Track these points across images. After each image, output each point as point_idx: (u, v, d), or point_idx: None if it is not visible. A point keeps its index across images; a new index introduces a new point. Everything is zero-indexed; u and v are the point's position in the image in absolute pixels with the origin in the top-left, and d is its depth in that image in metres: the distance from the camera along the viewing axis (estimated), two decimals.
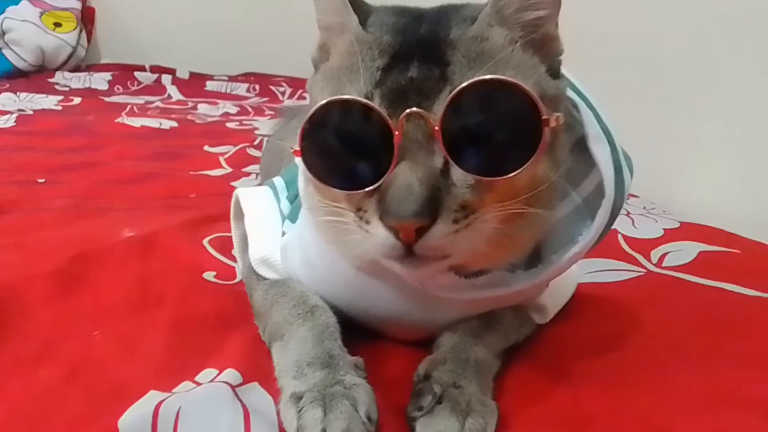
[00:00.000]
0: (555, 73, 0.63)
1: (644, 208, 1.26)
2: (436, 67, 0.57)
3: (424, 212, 0.53)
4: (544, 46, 0.62)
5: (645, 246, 1.03)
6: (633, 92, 1.45)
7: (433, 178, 0.54)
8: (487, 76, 0.54)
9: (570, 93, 0.66)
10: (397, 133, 0.54)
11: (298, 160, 0.61)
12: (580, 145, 0.65)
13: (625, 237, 1.09)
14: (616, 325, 0.79)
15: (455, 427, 0.57)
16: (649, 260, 0.99)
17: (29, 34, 2.84)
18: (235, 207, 0.92)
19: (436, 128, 0.54)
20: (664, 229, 1.10)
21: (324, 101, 0.57)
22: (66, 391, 0.64)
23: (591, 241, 0.64)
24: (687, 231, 1.10)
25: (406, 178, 0.54)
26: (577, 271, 0.85)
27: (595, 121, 0.64)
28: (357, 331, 0.72)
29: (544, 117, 0.54)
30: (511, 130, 0.55)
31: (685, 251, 1.01)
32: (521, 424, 0.61)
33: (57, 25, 2.94)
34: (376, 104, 0.56)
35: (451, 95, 0.54)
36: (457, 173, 0.55)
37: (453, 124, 0.54)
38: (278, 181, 0.90)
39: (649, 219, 1.19)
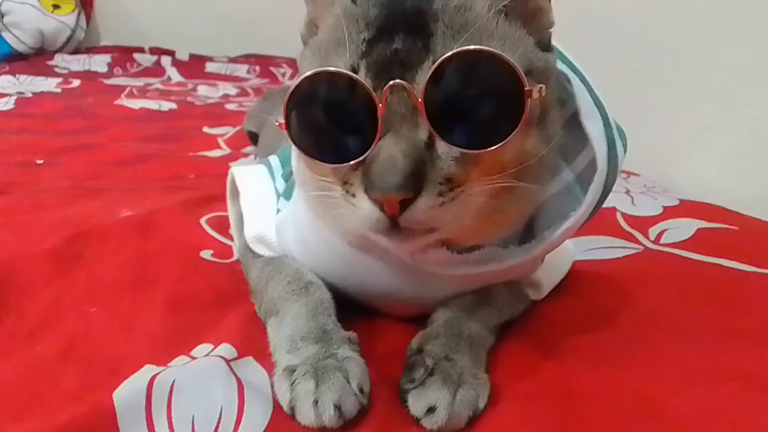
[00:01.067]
0: (545, 46, 0.62)
1: (645, 186, 1.26)
2: (419, 38, 0.56)
3: (407, 185, 0.53)
4: (534, 19, 0.61)
5: (643, 223, 1.02)
6: (634, 71, 1.44)
7: (417, 151, 0.54)
8: (468, 47, 0.53)
9: (563, 67, 0.65)
10: (380, 105, 0.54)
11: (285, 134, 0.61)
12: (574, 121, 0.65)
13: (623, 215, 1.08)
14: (612, 302, 0.79)
15: (446, 398, 0.57)
16: (647, 237, 0.99)
17: (28, 17, 2.82)
18: (230, 186, 0.92)
19: (420, 100, 0.53)
20: (664, 207, 1.10)
21: (308, 73, 0.56)
22: (62, 366, 0.65)
23: (583, 217, 0.64)
24: (686, 208, 1.10)
25: (389, 150, 0.53)
26: (572, 248, 0.85)
27: (588, 96, 0.64)
28: (352, 308, 0.73)
29: (526, 88, 0.53)
30: (493, 102, 0.55)
31: (683, 228, 1.01)
32: (511, 398, 0.61)
33: (56, 7, 2.92)
34: (361, 76, 0.55)
35: (433, 67, 0.53)
36: (441, 146, 0.55)
37: (436, 96, 0.53)
38: (273, 159, 0.90)
39: (649, 197, 1.18)
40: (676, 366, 0.65)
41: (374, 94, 0.54)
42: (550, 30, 0.62)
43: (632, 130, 0.66)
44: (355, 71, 0.56)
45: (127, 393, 0.58)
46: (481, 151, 0.54)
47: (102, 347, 0.69)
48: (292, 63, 2.93)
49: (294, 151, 0.70)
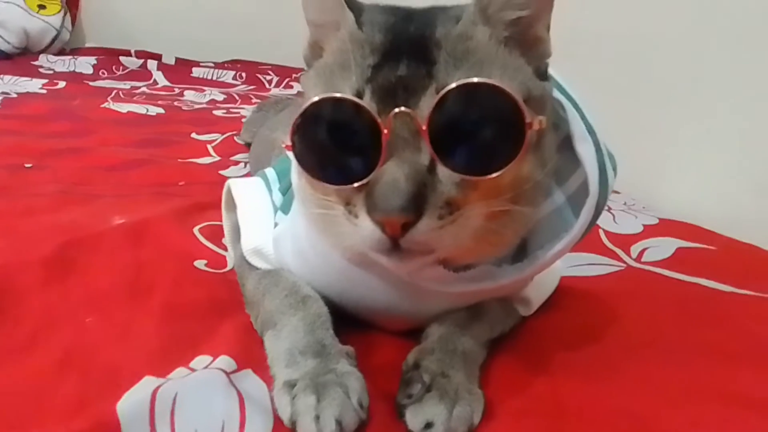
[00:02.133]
0: (542, 74, 0.64)
1: (625, 204, 1.29)
2: (423, 65, 0.58)
3: (409, 208, 0.55)
4: (532, 48, 0.63)
5: (625, 241, 1.05)
6: (617, 90, 1.47)
7: (419, 175, 0.56)
8: (472, 80, 0.56)
9: (557, 94, 0.67)
10: (386, 131, 0.55)
11: (290, 154, 0.62)
12: (566, 144, 0.67)
13: (606, 232, 1.11)
14: (597, 319, 0.81)
15: (444, 415, 0.59)
16: (629, 255, 1.02)
17: (14, 16, 2.81)
18: (226, 197, 0.94)
19: (423, 128, 0.55)
20: (644, 225, 1.13)
21: (316, 98, 0.58)
22: (61, 377, 0.65)
23: (575, 239, 0.66)
24: (665, 227, 1.13)
25: (393, 174, 0.55)
26: (560, 265, 0.88)
27: (581, 121, 0.66)
28: (347, 321, 0.74)
29: (527, 120, 0.56)
30: (495, 132, 0.57)
31: (663, 247, 1.04)
32: (504, 414, 0.63)
33: (41, 7, 2.90)
34: (366, 101, 0.57)
35: (438, 97, 0.55)
36: (443, 171, 0.57)
37: (439, 123, 0.55)
38: (270, 172, 0.91)
39: (630, 215, 1.22)
40: (661, 383, 0.67)
41: (379, 119, 0.56)
42: (547, 60, 0.65)
43: (614, 147, 0.69)
44: (361, 95, 0.58)
45: (130, 405, 0.59)
46: (482, 178, 0.57)
47: (100, 357, 0.69)
48: (278, 70, 2.94)
49: (295, 169, 0.71)
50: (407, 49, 0.59)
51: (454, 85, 0.55)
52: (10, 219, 1.07)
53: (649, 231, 1.11)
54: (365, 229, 0.57)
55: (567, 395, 0.65)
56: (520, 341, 0.77)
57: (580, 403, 0.64)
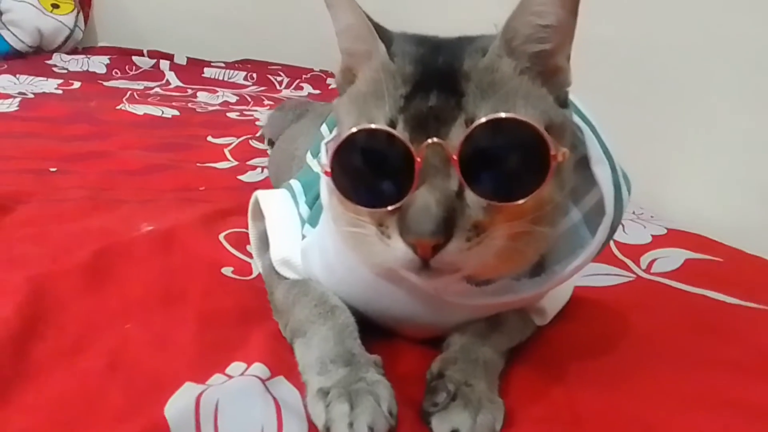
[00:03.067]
0: (562, 102, 0.68)
1: (633, 213, 1.33)
2: (452, 96, 0.62)
3: (440, 231, 0.59)
4: (553, 77, 0.67)
5: (635, 252, 1.09)
6: (622, 98, 1.50)
7: (449, 200, 0.60)
8: (501, 115, 0.60)
9: (574, 117, 0.71)
10: (418, 159, 0.59)
11: (327, 180, 0.66)
12: (582, 164, 0.71)
13: (616, 242, 1.15)
14: (609, 329, 0.85)
15: (468, 423, 0.63)
16: (639, 266, 1.05)
17: (27, 15, 2.85)
18: (253, 207, 0.98)
19: (454, 157, 0.59)
20: (652, 236, 1.17)
21: (354, 129, 0.62)
22: (108, 382, 0.69)
23: (592, 255, 0.70)
24: (673, 238, 1.16)
25: (425, 199, 0.59)
26: (574, 276, 0.91)
27: (598, 144, 0.70)
28: (371, 329, 0.78)
29: (552, 153, 0.60)
30: (521, 161, 0.61)
31: (672, 258, 1.07)
32: (523, 421, 0.67)
33: (55, 6, 2.94)
34: (399, 130, 0.61)
35: (468, 130, 0.59)
36: (470, 196, 0.61)
37: (468, 152, 0.59)
38: (296, 185, 0.95)
39: (639, 225, 1.25)
40: (673, 393, 0.71)
41: (412, 148, 0.60)
42: (567, 89, 0.68)
43: (619, 155, 0.71)
44: (394, 124, 0.62)
45: (176, 410, 0.63)
46: (507, 204, 0.61)
47: (142, 363, 0.73)
48: (288, 70, 2.98)
49: (326, 188, 0.75)
50: (437, 80, 0.63)
51: (483, 120, 0.59)
52: (43, 225, 1.11)
53: (658, 241, 1.14)
54: (398, 250, 0.61)
55: (583, 404, 0.69)
56: (536, 351, 0.80)
57: (596, 411, 0.68)
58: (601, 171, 0.69)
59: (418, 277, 0.64)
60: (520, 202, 0.60)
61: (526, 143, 0.60)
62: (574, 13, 0.64)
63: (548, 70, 0.66)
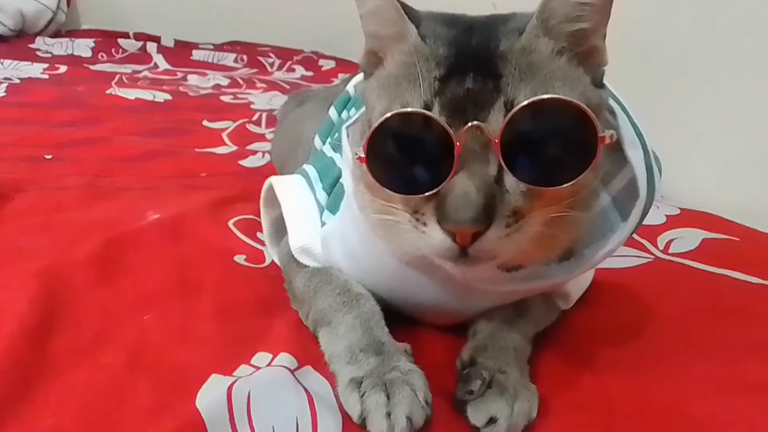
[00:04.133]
0: (598, 83, 0.66)
1: None
2: (490, 79, 0.60)
3: (480, 219, 0.57)
4: (589, 58, 0.65)
5: (651, 232, 1.08)
6: (632, 80, 1.48)
7: (488, 186, 0.58)
8: (546, 96, 0.58)
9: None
10: (458, 144, 0.57)
11: (354, 166, 0.64)
12: (611, 146, 0.69)
13: None
14: (632, 313, 0.85)
15: (506, 411, 0.62)
16: (656, 246, 1.05)
17: None
18: (265, 194, 0.95)
19: (495, 141, 0.57)
20: (667, 216, 1.16)
21: (390, 114, 0.60)
22: (132, 377, 0.67)
23: (624, 239, 0.69)
24: (688, 218, 1.16)
25: (464, 186, 0.58)
26: None
27: (630, 126, 0.69)
28: (392, 317, 0.76)
29: (600, 135, 0.58)
30: (565, 145, 0.59)
31: (688, 238, 1.07)
32: (557, 409, 0.66)
33: None
34: (435, 113, 0.59)
35: (511, 114, 0.57)
36: (510, 181, 0.59)
37: (509, 137, 0.57)
38: (311, 170, 0.92)
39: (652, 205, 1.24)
40: (706, 378, 0.70)
41: (451, 132, 0.58)
42: (603, 68, 0.67)
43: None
44: (429, 108, 0.60)
45: (208, 403, 0.61)
46: (551, 189, 0.59)
47: (164, 356, 0.72)
48: (278, 52, 2.92)
49: (351, 175, 0.73)
50: (472, 62, 0.61)
51: (527, 101, 0.57)
52: (44, 215, 1.08)
53: (673, 222, 1.14)
54: (435, 238, 0.59)
55: (615, 391, 0.69)
56: (561, 336, 0.80)
57: (629, 398, 0.68)
58: (634, 154, 0.68)
59: (454, 265, 0.63)
60: (564, 186, 0.59)
61: (572, 126, 0.58)
62: None
63: (585, 50, 0.64)
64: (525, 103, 0.57)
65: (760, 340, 0.78)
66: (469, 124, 0.58)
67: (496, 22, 0.66)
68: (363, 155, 0.61)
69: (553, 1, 0.62)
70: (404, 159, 0.61)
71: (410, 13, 0.66)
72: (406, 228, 0.63)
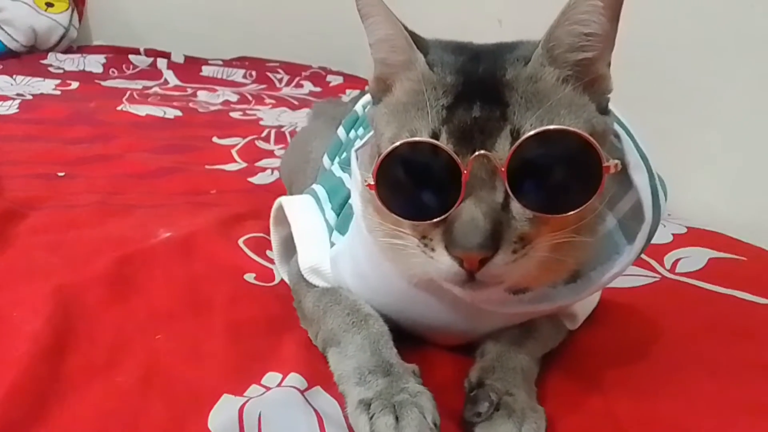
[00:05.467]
0: (603, 109, 0.67)
1: None
2: (496, 107, 0.61)
3: (487, 245, 0.58)
4: (594, 85, 0.66)
5: (658, 251, 1.09)
6: (638, 97, 1.49)
7: (495, 213, 0.59)
8: (552, 127, 0.59)
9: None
10: (465, 172, 0.59)
11: (363, 190, 0.65)
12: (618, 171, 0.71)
13: None
14: (641, 333, 0.85)
15: None
16: (663, 266, 1.05)
17: (21, 14, 2.81)
18: (275, 213, 0.96)
19: (502, 169, 0.59)
20: (673, 234, 1.16)
21: (398, 143, 0.61)
22: (146, 395, 0.68)
23: (630, 262, 0.70)
24: (695, 237, 1.16)
25: (471, 212, 0.59)
26: None
27: (635, 150, 0.70)
28: (400, 337, 0.77)
29: (605, 165, 0.59)
30: (571, 173, 0.60)
31: (695, 258, 1.07)
32: (564, 430, 0.67)
33: (49, 5, 2.90)
34: (443, 141, 0.60)
35: (519, 142, 0.58)
36: (516, 207, 0.60)
37: (516, 165, 0.59)
38: (320, 190, 0.94)
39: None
40: (714, 400, 0.71)
41: (459, 160, 0.59)
42: (608, 95, 0.68)
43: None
44: (437, 136, 0.61)
45: (220, 424, 0.63)
46: (557, 216, 0.60)
47: (177, 375, 0.73)
48: (287, 68, 2.96)
49: (360, 198, 0.74)
50: (479, 90, 0.62)
51: (533, 132, 0.58)
52: (58, 232, 1.10)
53: (680, 240, 1.14)
54: (443, 263, 0.61)
55: (622, 412, 0.69)
56: (568, 357, 0.80)
57: (637, 420, 0.68)
58: (639, 177, 0.69)
59: (461, 289, 0.64)
60: (570, 214, 0.60)
61: (577, 155, 0.59)
62: (616, 20, 0.63)
63: (590, 78, 0.66)
64: (532, 132, 0.58)
65: (766, 361, 0.78)
66: (477, 153, 0.59)
67: (502, 50, 0.67)
68: (372, 182, 0.63)
69: (559, 30, 0.63)
70: (412, 186, 0.62)
71: (418, 42, 0.67)
72: (415, 252, 0.64)
